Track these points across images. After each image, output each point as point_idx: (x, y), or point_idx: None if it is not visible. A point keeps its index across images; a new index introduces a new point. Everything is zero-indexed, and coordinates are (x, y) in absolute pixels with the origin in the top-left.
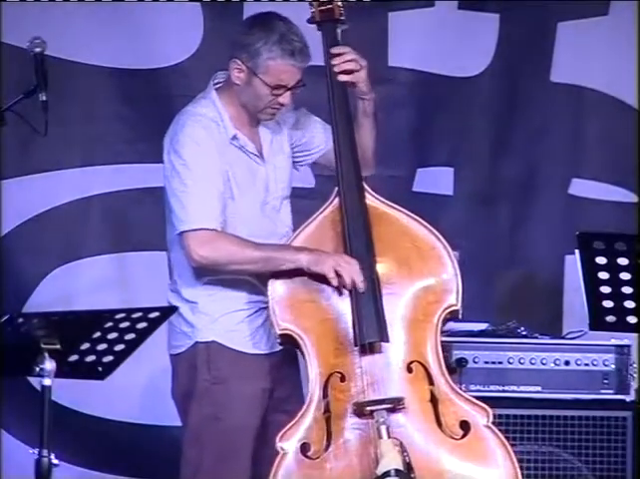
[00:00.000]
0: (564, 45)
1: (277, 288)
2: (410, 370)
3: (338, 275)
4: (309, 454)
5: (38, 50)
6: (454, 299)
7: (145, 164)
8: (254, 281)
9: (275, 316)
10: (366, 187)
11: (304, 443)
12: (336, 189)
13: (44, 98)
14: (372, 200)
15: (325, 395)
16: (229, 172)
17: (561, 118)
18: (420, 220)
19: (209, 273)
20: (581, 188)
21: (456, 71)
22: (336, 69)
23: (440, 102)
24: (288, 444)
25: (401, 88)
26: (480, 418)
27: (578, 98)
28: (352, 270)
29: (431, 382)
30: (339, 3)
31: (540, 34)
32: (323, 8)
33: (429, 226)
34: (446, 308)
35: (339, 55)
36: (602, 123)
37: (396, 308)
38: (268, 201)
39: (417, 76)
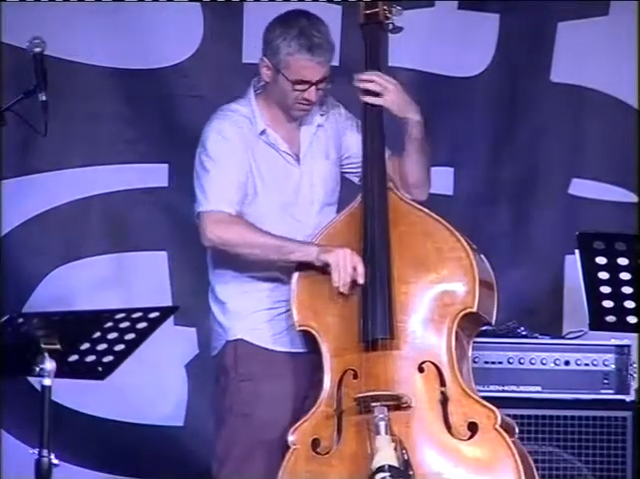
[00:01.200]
0: (564, 45)
1: (297, 286)
2: (421, 370)
3: (339, 265)
4: (319, 450)
5: (38, 50)
6: (470, 302)
7: (145, 164)
8: (283, 278)
9: (294, 314)
10: (391, 186)
11: (315, 439)
12: (362, 188)
13: (44, 98)
14: (396, 199)
15: (338, 392)
16: (253, 166)
17: (561, 118)
18: (444, 222)
19: (223, 260)
20: (581, 188)
21: (456, 71)
22: (360, 86)
23: (440, 102)
24: (299, 439)
25: None
26: (489, 420)
27: (578, 98)
28: (348, 272)
29: (442, 383)
30: (385, 7)
31: (540, 34)
32: (368, 12)
33: (450, 226)
34: (462, 311)
35: (365, 80)
36: (602, 123)
37: (411, 308)
38: (299, 203)
39: (417, 76)
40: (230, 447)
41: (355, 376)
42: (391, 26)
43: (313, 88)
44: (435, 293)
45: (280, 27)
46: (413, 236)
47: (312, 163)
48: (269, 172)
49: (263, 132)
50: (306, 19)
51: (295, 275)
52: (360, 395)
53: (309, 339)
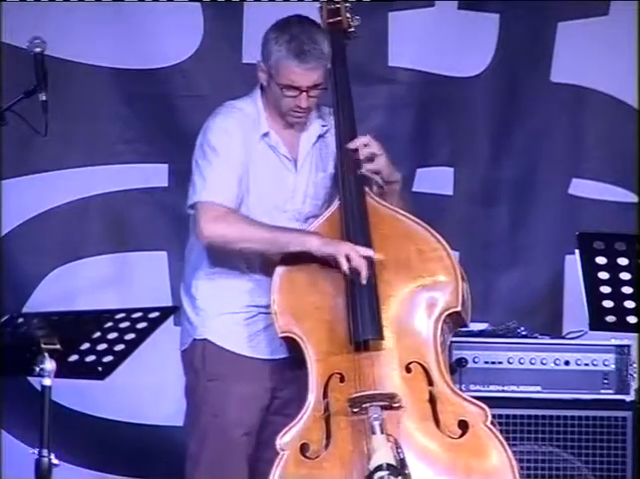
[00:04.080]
0: (564, 45)
1: (278, 292)
2: (409, 370)
3: (348, 260)
4: (308, 454)
5: (38, 50)
6: (454, 302)
7: (145, 164)
8: (258, 282)
9: (277, 320)
10: (368, 190)
11: (303, 443)
12: (338, 194)
13: (44, 98)
14: (374, 203)
15: (325, 396)
16: (251, 167)
17: (561, 118)
18: (422, 222)
19: (201, 256)
20: (581, 188)
21: (456, 71)
22: (360, 155)
23: (440, 102)
24: (288, 445)
25: (401, 88)
26: (479, 418)
27: (578, 98)
28: (361, 260)
29: (430, 383)
30: (348, 15)
31: (540, 34)
32: (332, 20)
33: (430, 228)
34: (445, 310)
35: (360, 145)
36: (602, 123)
37: (395, 309)
38: (287, 209)
39: (417, 76)
40: (202, 448)
41: (342, 380)
42: (351, 33)
43: (304, 94)
44: (419, 294)
45: (274, 32)
46: (393, 238)
47: (309, 173)
48: (265, 174)
49: (266, 134)
50: (300, 25)
51: (275, 282)
52: (355, 395)
53: (290, 344)
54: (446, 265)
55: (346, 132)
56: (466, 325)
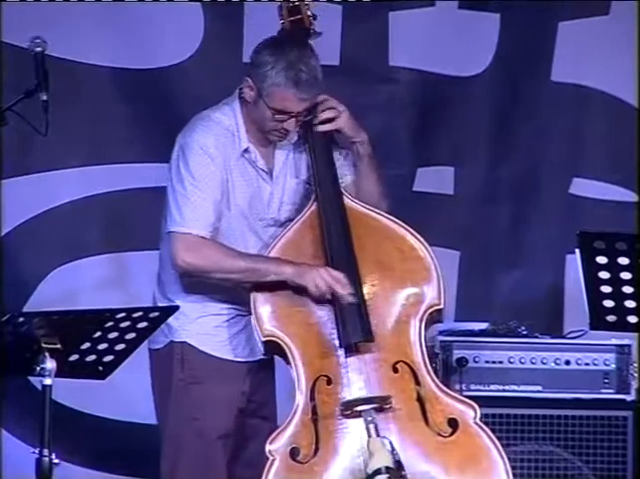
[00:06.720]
0: (565, 45)
1: (260, 296)
2: (396, 370)
3: (318, 287)
4: (299, 459)
5: (38, 50)
6: (437, 299)
7: (144, 164)
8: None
9: (259, 323)
10: (344, 191)
11: (293, 448)
12: (313, 195)
13: (44, 98)
14: (351, 203)
15: (312, 399)
16: (230, 181)
17: (562, 117)
18: (400, 222)
19: (192, 279)
20: (582, 187)
21: (456, 70)
22: (314, 120)
23: (440, 101)
24: (277, 449)
25: (401, 87)
26: (468, 415)
27: (579, 97)
28: (332, 282)
29: (417, 382)
30: (309, 13)
31: (541, 34)
32: (293, 18)
33: (409, 227)
34: (429, 308)
35: (319, 103)
36: (602, 122)
37: (380, 309)
38: (265, 217)
39: (417, 76)
40: (180, 451)
41: (329, 382)
42: (312, 31)
43: (293, 120)
44: (401, 294)
45: (270, 55)
46: (371, 238)
47: (284, 181)
48: (244, 188)
49: (246, 150)
50: (297, 50)
51: (256, 288)
52: (349, 399)
53: (273, 348)
54: (426, 264)
55: (316, 131)
56: (441, 321)
